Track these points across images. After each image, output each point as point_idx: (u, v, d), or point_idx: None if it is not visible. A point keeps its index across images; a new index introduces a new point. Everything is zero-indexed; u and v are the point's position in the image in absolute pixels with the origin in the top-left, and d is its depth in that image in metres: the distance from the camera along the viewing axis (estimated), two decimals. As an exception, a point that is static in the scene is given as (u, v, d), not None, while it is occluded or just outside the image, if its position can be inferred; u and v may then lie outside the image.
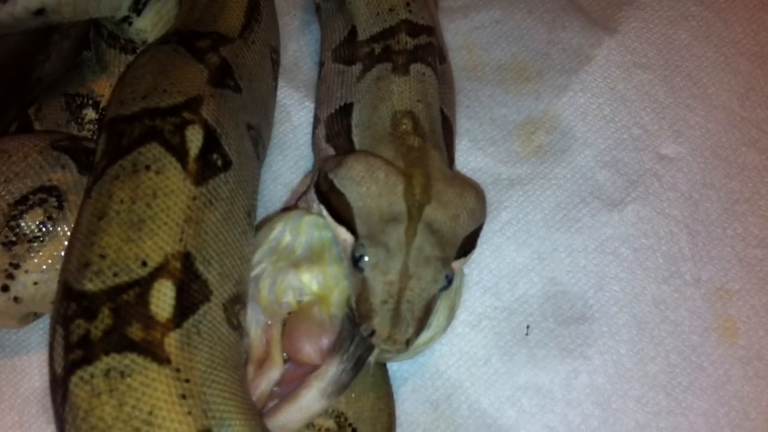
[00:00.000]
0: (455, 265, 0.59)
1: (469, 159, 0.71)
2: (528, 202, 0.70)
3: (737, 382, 0.66)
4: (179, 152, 0.56)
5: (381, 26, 0.67)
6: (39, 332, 0.66)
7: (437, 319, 0.62)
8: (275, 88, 0.72)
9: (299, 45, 0.77)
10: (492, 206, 0.67)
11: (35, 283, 0.58)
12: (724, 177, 0.73)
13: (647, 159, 0.72)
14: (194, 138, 0.57)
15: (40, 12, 0.63)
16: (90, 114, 0.67)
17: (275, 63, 0.73)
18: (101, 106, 0.68)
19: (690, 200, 0.72)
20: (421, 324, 0.57)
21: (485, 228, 0.62)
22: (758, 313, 0.68)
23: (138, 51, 0.68)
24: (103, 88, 0.68)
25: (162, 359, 0.50)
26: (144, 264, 0.51)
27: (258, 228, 0.63)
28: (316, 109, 0.72)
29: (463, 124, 0.72)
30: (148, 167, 0.54)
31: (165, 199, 0.53)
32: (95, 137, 0.67)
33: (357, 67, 0.66)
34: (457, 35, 0.77)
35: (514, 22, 0.78)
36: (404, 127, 0.60)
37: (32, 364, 0.66)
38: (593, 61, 0.75)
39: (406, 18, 0.67)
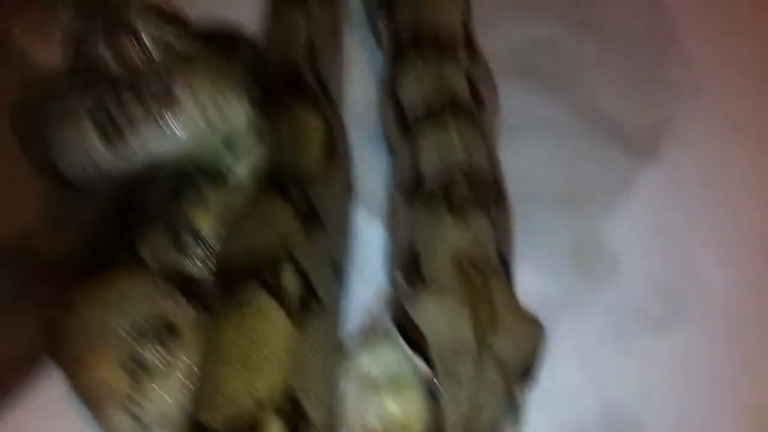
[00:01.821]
0: (520, 390, 0.64)
1: (525, 281, 0.76)
2: (581, 326, 0.77)
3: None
4: (281, 298, 0.63)
5: (442, 168, 0.72)
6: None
7: None
8: (350, 217, 0.81)
9: (372, 173, 0.85)
10: (546, 326, 0.72)
11: (159, 411, 0.65)
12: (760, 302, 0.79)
13: (692, 283, 0.79)
14: (291, 284, 0.65)
15: (152, 160, 0.71)
16: (189, 241, 0.74)
17: (353, 195, 0.82)
18: (200, 236, 0.74)
19: (736, 324, 0.79)
20: None
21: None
22: None
23: (228, 184, 0.75)
24: (200, 217, 0.74)
25: None
26: (257, 401, 0.58)
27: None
28: (389, 238, 0.79)
29: (521, 248, 0.78)
30: (255, 314, 0.62)
31: (271, 342, 0.61)
32: (196, 266, 0.73)
33: (419, 205, 0.72)
34: (510, 159, 0.82)
35: (564, 151, 0.87)
36: (464, 266, 0.66)
37: None
38: (637, 188, 0.84)
39: (467, 160, 0.73)
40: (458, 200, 0.71)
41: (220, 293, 0.66)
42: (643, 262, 0.81)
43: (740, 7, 0.97)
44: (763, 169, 0.86)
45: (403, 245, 0.74)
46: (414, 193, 0.75)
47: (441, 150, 0.75)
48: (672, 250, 0.82)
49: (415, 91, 0.80)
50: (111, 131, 0.71)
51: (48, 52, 0.87)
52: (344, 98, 0.90)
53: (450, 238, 0.68)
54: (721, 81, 0.92)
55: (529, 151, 0.87)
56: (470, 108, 0.77)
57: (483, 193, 0.72)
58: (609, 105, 0.91)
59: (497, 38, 0.92)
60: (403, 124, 0.81)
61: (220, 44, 0.84)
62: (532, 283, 0.79)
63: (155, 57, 0.77)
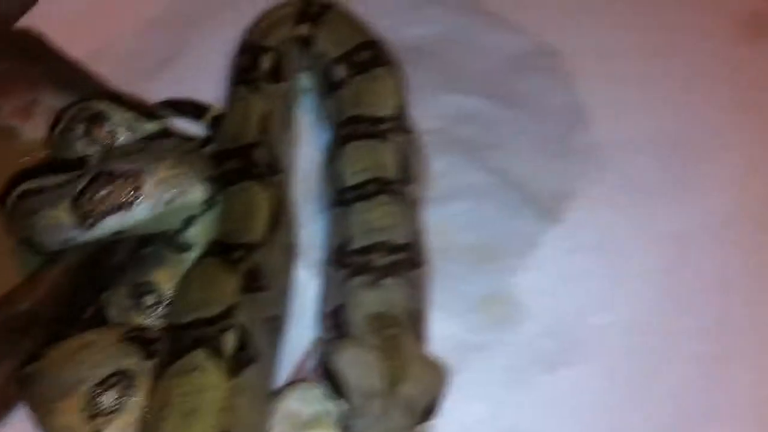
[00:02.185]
0: (421, 428, 0.74)
1: (441, 327, 0.87)
2: (484, 365, 0.88)
3: None
4: (219, 353, 0.72)
5: (367, 242, 0.83)
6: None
7: None
8: (292, 276, 0.89)
9: (312, 230, 0.94)
10: (454, 368, 0.81)
11: None
12: (643, 346, 0.89)
13: (579, 329, 0.90)
14: (231, 340, 0.73)
15: (117, 233, 0.81)
16: (149, 300, 0.85)
17: (294, 255, 0.90)
18: (159, 292, 0.84)
19: (613, 363, 0.88)
20: None
21: (454, 383, 0.79)
22: None
23: (184, 249, 0.85)
24: (160, 278, 0.85)
25: None
26: None
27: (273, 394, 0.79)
28: (321, 295, 0.88)
29: (437, 298, 0.89)
30: (194, 368, 0.71)
31: (208, 393, 0.71)
32: (156, 321, 0.84)
33: (347, 273, 0.82)
34: (434, 221, 0.94)
35: (482, 212, 0.97)
36: (376, 325, 0.77)
37: None
38: (542, 246, 0.94)
39: (388, 239, 0.83)
40: (375, 269, 0.81)
41: (167, 347, 0.75)
42: (541, 310, 0.91)
43: (646, 88, 1.05)
44: (650, 224, 0.96)
45: (329, 303, 0.84)
46: (341, 259, 0.85)
47: (365, 224, 0.85)
48: (566, 299, 0.92)
49: (350, 169, 0.89)
50: (83, 211, 0.80)
51: (32, 128, 0.98)
52: (294, 168, 0.99)
53: (366, 301, 0.79)
54: (621, 154, 1.00)
55: (451, 213, 0.97)
56: (398, 184, 0.87)
57: (399, 261, 0.82)
58: (522, 172, 0.99)
59: (429, 111, 1.02)
60: (338, 198, 0.90)
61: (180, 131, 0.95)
62: (446, 328, 0.91)
63: (124, 141, 0.88)
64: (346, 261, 0.84)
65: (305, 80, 1.03)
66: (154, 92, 1.03)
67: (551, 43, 1.09)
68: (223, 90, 1.01)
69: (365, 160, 0.89)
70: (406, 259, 0.83)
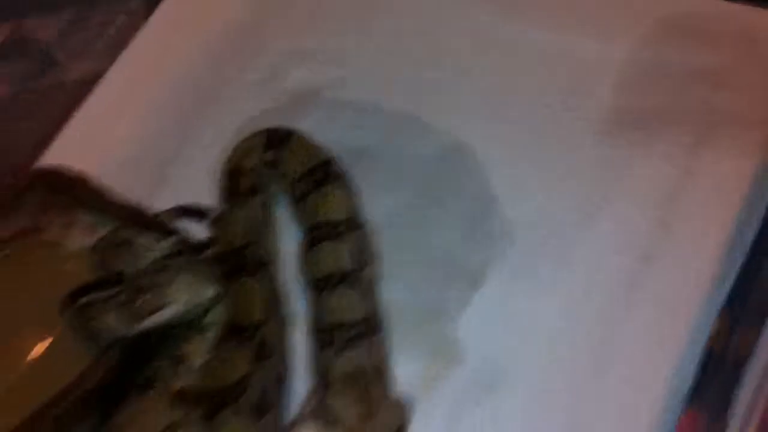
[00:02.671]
0: None
1: (403, 368, 1.08)
2: (435, 396, 1.09)
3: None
4: (242, 413, 0.96)
5: (331, 321, 1.05)
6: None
7: None
8: (287, 341, 1.11)
9: (302, 302, 1.15)
10: (413, 400, 1.07)
11: None
12: (549, 374, 1.12)
13: (506, 361, 1.12)
14: (251, 398, 0.97)
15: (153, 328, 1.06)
16: (183, 369, 1.07)
17: (285, 326, 1.10)
18: (189, 362, 1.08)
19: (533, 384, 1.09)
20: None
21: (413, 411, 1.04)
22: None
23: (204, 330, 1.09)
24: (189, 352, 1.08)
25: None
26: None
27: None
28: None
29: (398, 346, 1.11)
30: (227, 424, 0.95)
31: None
32: (189, 385, 1.07)
33: (318, 345, 1.05)
34: (385, 292, 1.15)
35: (422, 283, 1.19)
36: (355, 375, 1.01)
37: None
38: (470, 306, 1.17)
39: (347, 319, 1.04)
40: (341, 343, 1.02)
41: (205, 408, 0.97)
42: (476, 351, 1.12)
43: (538, 176, 1.23)
44: (543, 294, 1.16)
45: (314, 365, 1.08)
46: (316, 333, 1.08)
47: (329, 308, 1.06)
48: (492, 343, 1.12)
49: (315, 267, 1.10)
50: (125, 318, 1.05)
51: (72, 241, 1.20)
52: (278, 257, 1.20)
53: (335, 366, 1.01)
54: (524, 237, 1.18)
55: (400, 286, 1.17)
56: (354, 273, 1.09)
57: (357, 334, 1.03)
58: (451, 250, 1.19)
59: (375, 204, 1.21)
60: (309, 286, 1.10)
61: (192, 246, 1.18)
62: (407, 368, 1.09)
63: (148, 258, 1.12)
64: (317, 336, 1.05)
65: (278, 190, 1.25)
66: (160, 201, 1.26)
67: (466, 141, 1.27)
68: (211, 196, 1.23)
69: (327, 259, 1.10)
70: (363, 331, 1.05)
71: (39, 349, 1.14)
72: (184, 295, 1.07)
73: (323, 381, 1.02)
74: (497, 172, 1.26)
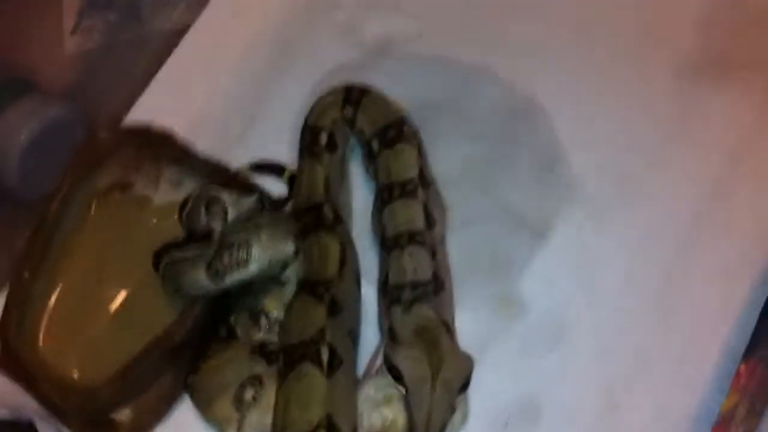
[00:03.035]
0: (458, 399, 1.01)
1: (468, 322, 1.12)
2: (503, 348, 1.13)
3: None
4: (319, 363, 0.99)
5: (399, 281, 1.08)
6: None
7: (455, 421, 1.05)
8: (360, 295, 1.13)
9: (372, 253, 1.19)
10: (481, 352, 1.08)
11: (253, 427, 1.07)
12: (612, 324, 1.14)
13: (568, 315, 1.15)
14: (324, 354, 0.99)
15: (237, 283, 1.10)
16: (263, 321, 1.13)
17: (359, 281, 1.13)
18: (269, 315, 1.13)
19: (593, 338, 1.13)
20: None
21: (480, 364, 1.03)
22: (629, 401, 1.10)
23: (283, 284, 1.14)
24: (268, 305, 1.13)
25: None
26: (310, 424, 0.95)
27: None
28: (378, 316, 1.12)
29: (463, 301, 1.13)
30: (305, 375, 0.99)
31: (315, 391, 0.98)
32: (270, 335, 1.13)
33: (387, 302, 1.07)
34: (458, 242, 1.19)
35: (489, 234, 1.21)
36: (420, 333, 1.02)
37: None
38: (536, 258, 1.19)
39: (414, 279, 1.07)
40: (409, 300, 1.05)
41: (283, 360, 1.02)
42: (539, 305, 1.15)
43: (606, 124, 1.26)
44: (610, 241, 1.19)
45: (384, 321, 1.08)
46: (383, 291, 1.09)
47: (398, 268, 1.08)
48: (556, 295, 1.16)
49: (388, 226, 1.12)
50: (213, 273, 1.07)
51: (160, 196, 1.27)
52: (352, 215, 1.23)
53: (405, 322, 1.03)
54: (594, 186, 1.22)
55: (466, 236, 1.21)
56: (423, 233, 1.11)
57: (425, 292, 1.06)
58: (517, 200, 1.22)
59: (446, 157, 1.24)
60: (381, 244, 1.12)
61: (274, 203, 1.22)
62: (471, 323, 1.14)
63: (233, 213, 1.16)
64: (385, 293, 1.08)
65: (354, 147, 1.26)
66: (239, 157, 1.29)
67: (536, 93, 1.29)
68: (288, 152, 1.25)
69: (398, 218, 1.12)
70: (431, 289, 1.07)
71: (126, 302, 1.22)
72: (267, 252, 1.12)
73: (392, 337, 1.04)
74: (568, 122, 1.27)
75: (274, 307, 1.16)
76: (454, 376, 1.01)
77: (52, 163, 1.23)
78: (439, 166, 1.23)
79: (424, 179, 1.17)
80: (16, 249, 1.21)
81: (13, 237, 1.25)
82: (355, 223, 1.24)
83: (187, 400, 1.14)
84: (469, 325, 1.15)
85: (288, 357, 1.03)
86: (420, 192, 1.17)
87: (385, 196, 1.18)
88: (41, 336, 1.19)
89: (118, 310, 1.20)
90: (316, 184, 1.18)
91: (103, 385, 1.09)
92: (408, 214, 1.13)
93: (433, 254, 1.13)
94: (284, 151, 1.27)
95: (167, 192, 1.27)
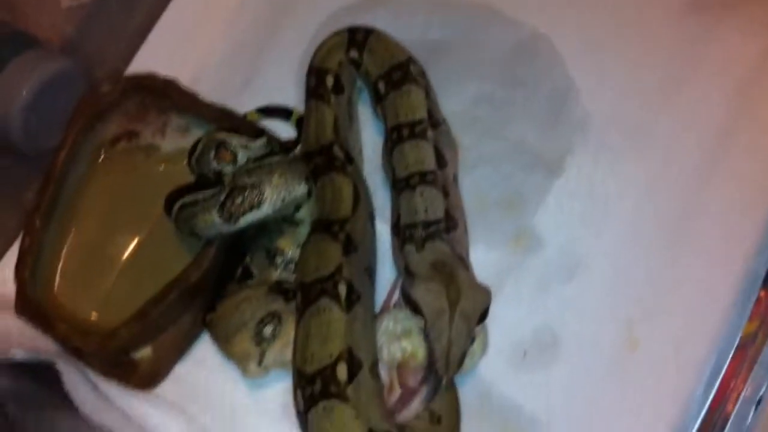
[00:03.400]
0: (477, 329, 1.02)
1: (484, 257, 1.14)
2: (519, 281, 1.14)
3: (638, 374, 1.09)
4: (337, 299, 1.00)
5: (410, 221, 1.09)
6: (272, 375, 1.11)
7: (475, 353, 1.06)
8: (374, 233, 1.14)
9: (383, 192, 1.19)
10: (498, 285, 1.10)
11: (274, 360, 1.07)
12: (627, 258, 1.14)
13: (583, 248, 1.16)
14: (342, 290, 1.00)
15: (251, 224, 1.10)
16: (279, 260, 1.13)
17: (373, 218, 1.14)
18: (284, 254, 1.14)
19: (609, 271, 1.14)
20: (460, 363, 0.98)
21: (497, 297, 1.06)
22: (649, 334, 1.11)
23: (297, 224, 1.14)
24: (284, 244, 1.14)
25: (346, 399, 0.94)
26: (331, 356, 0.96)
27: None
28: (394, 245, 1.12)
29: (478, 236, 1.15)
30: (324, 310, 1.00)
31: (334, 325, 0.99)
32: (284, 274, 1.13)
33: (399, 241, 1.09)
34: (470, 181, 1.20)
35: (503, 172, 1.21)
36: (438, 267, 1.03)
37: (275, 388, 1.12)
38: (550, 194, 1.20)
39: (425, 218, 1.08)
40: (422, 238, 1.07)
41: (301, 297, 1.03)
42: (553, 239, 1.16)
43: (615, 66, 1.25)
44: (620, 177, 1.19)
45: (398, 256, 1.10)
46: (395, 230, 1.11)
47: (409, 207, 1.09)
48: (570, 230, 1.16)
49: (398, 166, 1.13)
50: (226, 215, 1.08)
51: (167, 144, 1.27)
52: (362, 150, 1.23)
53: (418, 260, 1.05)
54: (605, 123, 1.22)
55: (480, 175, 1.21)
56: (434, 172, 1.11)
57: (438, 230, 1.07)
58: (531, 138, 1.22)
59: (454, 97, 1.25)
60: (393, 185, 1.13)
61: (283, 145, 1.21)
62: (488, 257, 1.16)
63: (242, 158, 1.16)
64: (398, 233, 1.10)
65: (361, 89, 1.26)
66: (245, 103, 1.28)
67: (544, 32, 1.28)
68: (295, 96, 1.26)
69: (408, 159, 1.13)
70: (441, 229, 1.08)
71: (140, 247, 1.22)
72: (280, 193, 1.12)
73: (409, 274, 1.06)
74: (576, 60, 1.27)
75: (289, 246, 1.16)
76: (471, 307, 1.01)
77: (54, 118, 1.23)
78: (448, 107, 1.23)
79: (434, 120, 1.17)
80: (25, 202, 1.24)
81: (22, 190, 1.26)
82: (366, 163, 1.25)
83: (206, 338, 1.16)
84: (485, 261, 1.15)
85: (306, 294, 1.04)
86: (429, 132, 1.17)
87: (395, 137, 1.17)
88: (56, 282, 1.20)
89: (131, 255, 1.21)
90: (325, 125, 1.18)
91: (122, 326, 1.09)
92: (418, 155, 1.13)
93: (446, 194, 1.13)
94: (290, 94, 1.27)
95: (174, 139, 1.27)
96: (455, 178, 1.19)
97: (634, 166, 1.21)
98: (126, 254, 1.21)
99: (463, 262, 1.09)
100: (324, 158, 1.15)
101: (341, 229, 1.08)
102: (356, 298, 1.03)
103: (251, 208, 1.10)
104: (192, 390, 1.13)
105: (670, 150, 1.20)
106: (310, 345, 1.00)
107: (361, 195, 1.13)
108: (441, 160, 1.14)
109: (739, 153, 1.20)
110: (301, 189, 1.13)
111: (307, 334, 1.01)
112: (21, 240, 1.17)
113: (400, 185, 1.13)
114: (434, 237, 1.07)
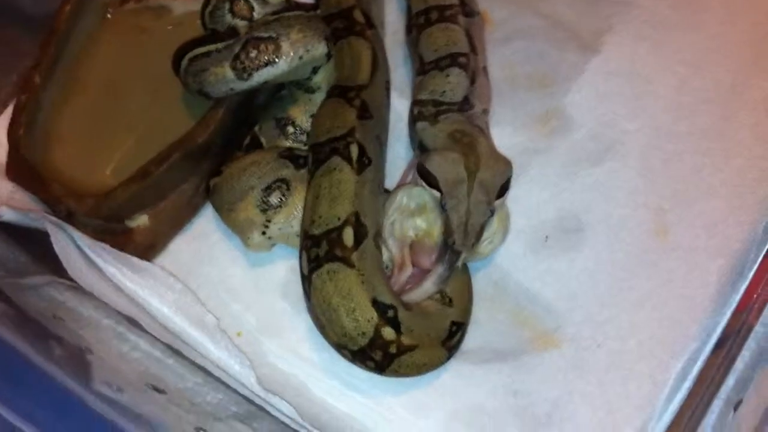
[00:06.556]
0: (497, 203, 0.97)
1: (510, 138, 1.10)
2: (545, 163, 1.10)
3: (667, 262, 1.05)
4: (348, 159, 0.97)
5: (426, 98, 1.08)
6: (278, 250, 1.06)
7: (495, 237, 1.01)
8: (389, 104, 1.10)
9: (404, 69, 1.16)
10: (522, 167, 1.07)
11: (279, 229, 1.02)
12: (663, 142, 1.10)
13: (616, 132, 1.11)
14: (354, 151, 0.98)
15: (265, 82, 1.02)
16: (290, 129, 1.08)
17: (389, 89, 1.11)
18: (296, 123, 1.09)
19: (643, 156, 1.09)
20: (479, 236, 0.95)
21: (521, 178, 1.03)
22: (681, 221, 1.08)
23: (312, 91, 1.08)
24: (296, 113, 1.09)
25: (351, 265, 0.93)
26: (339, 219, 0.94)
27: (389, 193, 1.02)
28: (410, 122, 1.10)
29: (505, 116, 1.12)
30: (335, 169, 0.96)
31: (344, 185, 0.96)
32: (295, 142, 1.09)
33: (411, 118, 1.07)
34: (501, 57, 1.16)
35: (537, 48, 1.17)
36: (456, 136, 1.00)
37: (277, 267, 1.07)
38: (585, 72, 1.15)
39: (439, 99, 1.06)
40: (429, 114, 1.06)
41: (312, 158, 1.00)
42: (585, 121, 1.11)
43: None
44: (669, 52, 1.14)
45: (414, 135, 1.09)
46: (412, 109, 1.09)
47: (429, 85, 1.08)
48: (604, 112, 1.11)
49: (427, 49, 1.11)
50: (239, 68, 1.01)
51: (179, 5, 1.21)
52: (384, 24, 1.18)
53: (438, 129, 1.04)
54: (648, 2, 1.19)
55: (513, 50, 1.17)
56: (466, 55, 1.08)
57: (447, 108, 1.06)
58: (567, 14, 1.17)
59: None
60: (420, 69, 1.11)
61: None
62: (514, 137, 1.12)
63: (258, 12, 1.08)
64: (412, 110, 1.09)
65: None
66: None
67: None
68: None
69: (438, 42, 1.09)
70: (453, 109, 1.07)
71: (144, 108, 1.15)
72: (298, 49, 1.04)
73: (423, 149, 1.04)
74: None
75: (300, 115, 1.10)
76: (492, 177, 0.98)
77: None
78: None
79: (467, 7, 1.15)
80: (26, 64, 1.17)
81: (24, 54, 1.19)
82: (388, 36, 1.19)
83: (207, 213, 1.11)
84: (510, 142, 1.11)
85: (317, 154, 1.01)
86: (461, 18, 1.13)
87: (422, 21, 1.13)
88: (53, 142, 1.12)
89: (135, 117, 1.14)
90: None
91: (119, 186, 1.03)
92: (449, 37, 1.10)
93: (472, 81, 1.09)
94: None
95: (186, 2, 1.21)
96: (485, 71, 1.14)
97: (676, 52, 1.16)
98: (131, 115, 1.14)
99: (484, 132, 1.04)
100: (344, 21, 1.10)
101: (357, 96, 1.03)
102: (367, 162, 1.00)
103: (267, 63, 1.03)
104: (189, 265, 1.08)
105: (724, 24, 1.16)
106: (319, 207, 0.97)
107: (379, 62, 1.09)
108: (473, 46, 1.10)
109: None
110: (320, 48, 1.06)
111: (316, 194, 0.98)
112: (16, 99, 1.10)
113: (427, 68, 1.10)
114: (447, 112, 1.05)
